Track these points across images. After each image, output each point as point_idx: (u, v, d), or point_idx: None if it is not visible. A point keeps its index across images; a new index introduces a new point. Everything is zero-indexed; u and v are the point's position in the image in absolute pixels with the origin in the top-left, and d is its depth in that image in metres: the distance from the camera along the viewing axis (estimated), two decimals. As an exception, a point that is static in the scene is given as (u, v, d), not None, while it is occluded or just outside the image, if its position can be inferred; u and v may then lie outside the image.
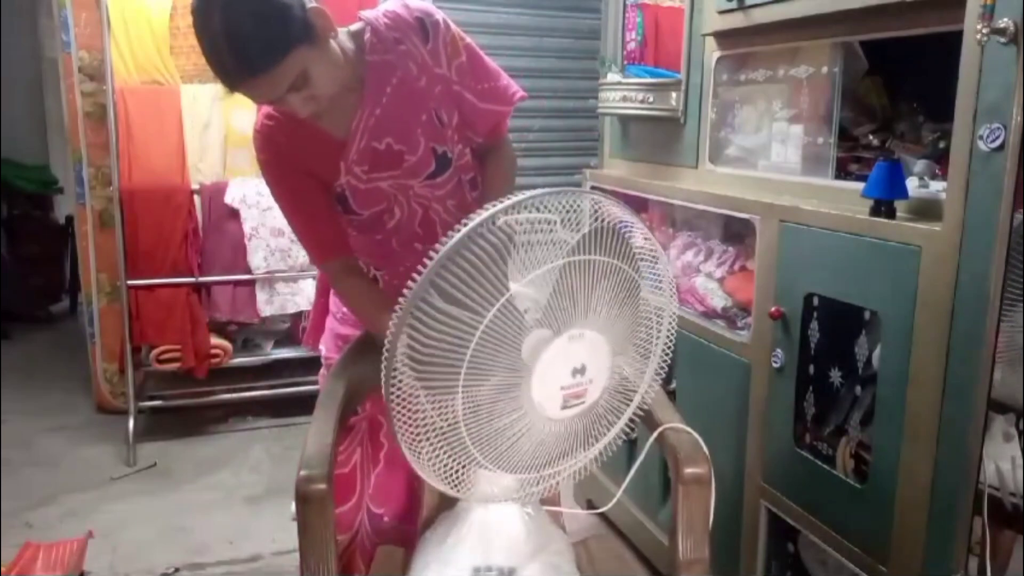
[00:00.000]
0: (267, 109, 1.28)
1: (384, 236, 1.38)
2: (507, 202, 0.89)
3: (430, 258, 0.87)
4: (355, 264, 1.36)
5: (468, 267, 0.86)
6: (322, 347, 1.54)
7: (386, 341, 0.89)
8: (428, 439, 0.94)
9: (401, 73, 1.27)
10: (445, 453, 0.95)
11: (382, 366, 0.90)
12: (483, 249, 0.87)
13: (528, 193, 0.90)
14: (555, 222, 0.92)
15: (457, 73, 1.31)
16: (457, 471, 0.97)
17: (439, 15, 1.30)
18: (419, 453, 0.95)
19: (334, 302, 1.51)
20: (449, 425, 0.93)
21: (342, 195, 1.31)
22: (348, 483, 1.47)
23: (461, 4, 3.26)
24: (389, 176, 1.31)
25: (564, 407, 0.97)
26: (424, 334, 0.87)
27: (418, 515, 1.49)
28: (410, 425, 0.93)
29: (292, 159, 1.28)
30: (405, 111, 1.28)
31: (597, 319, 0.96)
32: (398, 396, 0.91)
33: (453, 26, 1.32)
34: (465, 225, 0.87)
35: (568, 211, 0.92)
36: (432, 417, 0.93)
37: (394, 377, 0.90)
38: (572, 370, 0.95)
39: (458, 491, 1.00)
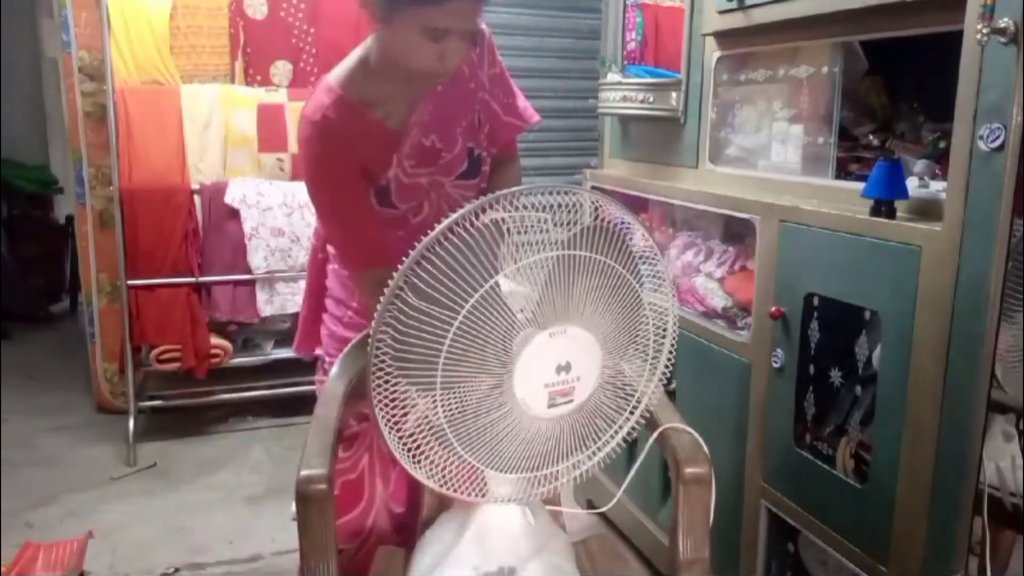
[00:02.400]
0: (327, 101, 1.23)
1: (407, 233, 1.35)
2: (484, 199, 0.89)
3: (407, 255, 0.88)
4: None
5: (441, 264, 0.87)
6: (322, 353, 1.50)
7: (370, 337, 0.90)
8: (413, 434, 0.94)
9: (460, 75, 1.29)
10: (431, 449, 0.95)
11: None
12: (456, 246, 0.87)
13: (505, 191, 0.90)
14: (546, 220, 0.92)
15: (490, 82, 1.35)
16: (444, 468, 0.97)
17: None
18: (405, 449, 0.95)
19: (336, 305, 1.48)
20: (432, 418, 0.93)
21: (386, 188, 1.29)
22: (356, 489, 1.46)
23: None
24: (427, 172, 1.31)
25: (551, 405, 0.96)
26: (401, 331, 0.88)
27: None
28: (394, 421, 0.93)
29: (347, 154, 1.23)
30: (451, 110, 1.30)
31: (583, 316, 0.95)
32: (382, 391, 0.91)
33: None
34: (441, 223, 0.88)
35: (556, 209, 0.92)
36: (418, 412, 0.93)
37: (377, 373, 0.90)
38: (556, 367, 0.95)
39: (450, 490, 1.00)
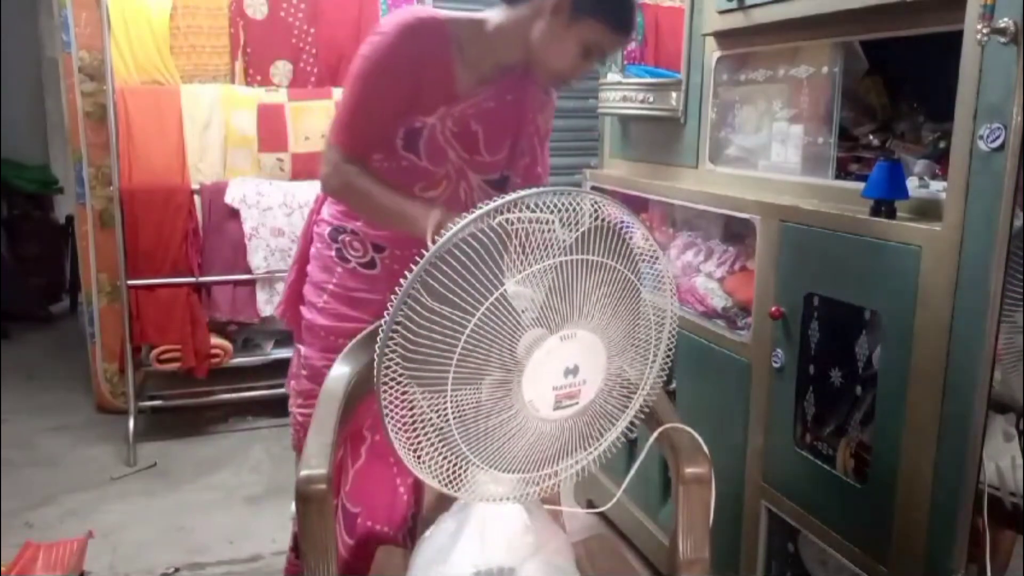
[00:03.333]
0: (429, 17, 1.28)
1: None
2: (499, 201, 0.89)
3: (422, 255, 0.87)
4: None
5: (457, 266, 0.87)
6: (301, 347, 1.47)
7: (378, 338, 0.89)
8: (421, 435, 0.94)
9: (528, 98, 1.38)
10: (437, 451, 0.95)
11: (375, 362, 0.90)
12: (472, 248, 0.87)
13: (519, 193, 0.90)
14: (553, 222, 0.92)
15: (541, 134, 1.47)
16: (450, 469, 0.97)
17: None
18: (411, 450, 0.95)
19: (313, 290, 1.44)
20: (440, 420, 0.93)
21: (418, 131, 1.30)
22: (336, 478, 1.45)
23: (462, 4, 3.25)
24: (459, 155, 1.34)
25: (557, 407, 0.97)
26: (414, 332, 0.87)
27: (400, 517, 1.47)
28: (401, 421, 0.93)
29: (413, 64, 1.26)
30: (506, 124, 1.36)
31: (591, 320, 0.95)
32: (390, 392, 0.91)
33: None
34: (456, 224, 0.88)
35: (563, 211, 0.91)
36: (424, 413, 0.93)
37: (386, 373, 0.90)
38: (564, 370, 0.95)
39: (453, 490, 1.00)
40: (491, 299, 0.88)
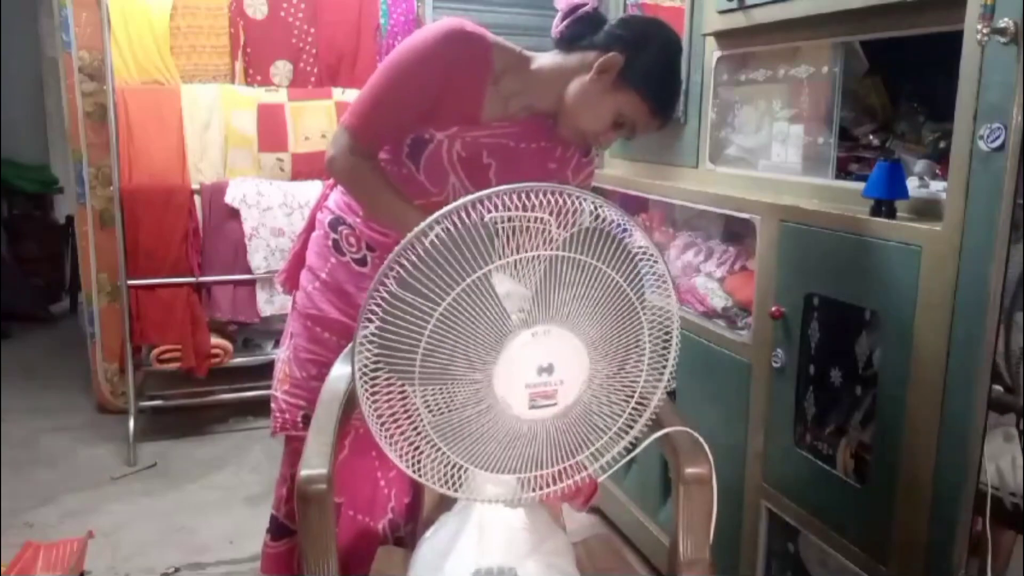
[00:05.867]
0: (481, 35, 1.26)
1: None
2: (476, 194, 0.89)
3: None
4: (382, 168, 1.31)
5: (424, 256, 0.87)
6: (292, 331, 1.46)
7: (357, 325, 0.90)
8: (395, 423, 0.94)
9: (558, 151, 1.34)
10: (412, 441, 0.95)
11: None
12: (441, 240, 0.87)
13: (501, 188, 0.90)
14: (549, 221, 0.91)
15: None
16: (436, 465, 0.97)
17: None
18: (389, 439, 0.96)
19: (306, 273, 1.44)
20: (410, 408, 0.93)
21: (425, 142, 1.27)
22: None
23: (462, 4, 3.26)
24: (462, 184, 1.30)
25: (533, 407, 0.96)
26: (384, 320, 0.88)
27: (380, 510, 1.48)
28: (377, 409, 0.93)
29: (443, 71, 1.23)
30: (525, 169, 1.30)
31: (570, 318, 0.94)
32: (365, 380, 0.91)
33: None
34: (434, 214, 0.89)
35: (556, 209, 0.91)
36: (405, 401, 0.93)
37: (361, 360, 0.90)
38: (538, 368, 0.94)
39: (440, 487, 1.00)
40: (458, 289, 0.88)
